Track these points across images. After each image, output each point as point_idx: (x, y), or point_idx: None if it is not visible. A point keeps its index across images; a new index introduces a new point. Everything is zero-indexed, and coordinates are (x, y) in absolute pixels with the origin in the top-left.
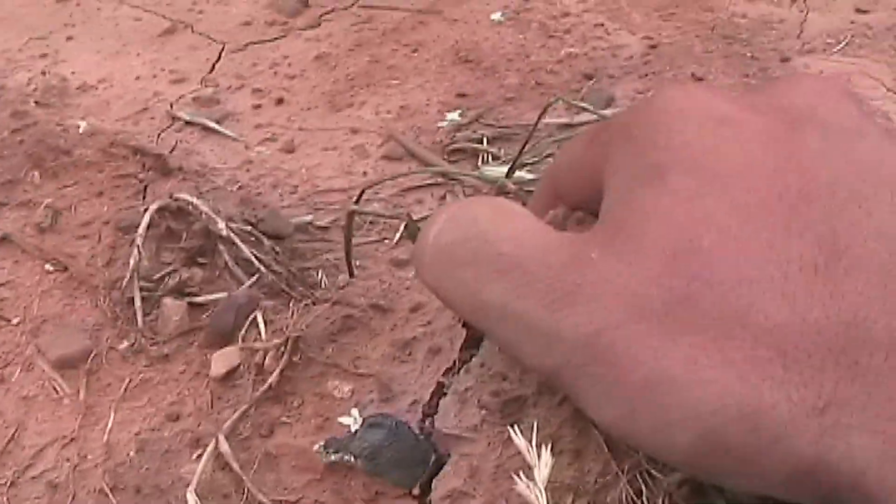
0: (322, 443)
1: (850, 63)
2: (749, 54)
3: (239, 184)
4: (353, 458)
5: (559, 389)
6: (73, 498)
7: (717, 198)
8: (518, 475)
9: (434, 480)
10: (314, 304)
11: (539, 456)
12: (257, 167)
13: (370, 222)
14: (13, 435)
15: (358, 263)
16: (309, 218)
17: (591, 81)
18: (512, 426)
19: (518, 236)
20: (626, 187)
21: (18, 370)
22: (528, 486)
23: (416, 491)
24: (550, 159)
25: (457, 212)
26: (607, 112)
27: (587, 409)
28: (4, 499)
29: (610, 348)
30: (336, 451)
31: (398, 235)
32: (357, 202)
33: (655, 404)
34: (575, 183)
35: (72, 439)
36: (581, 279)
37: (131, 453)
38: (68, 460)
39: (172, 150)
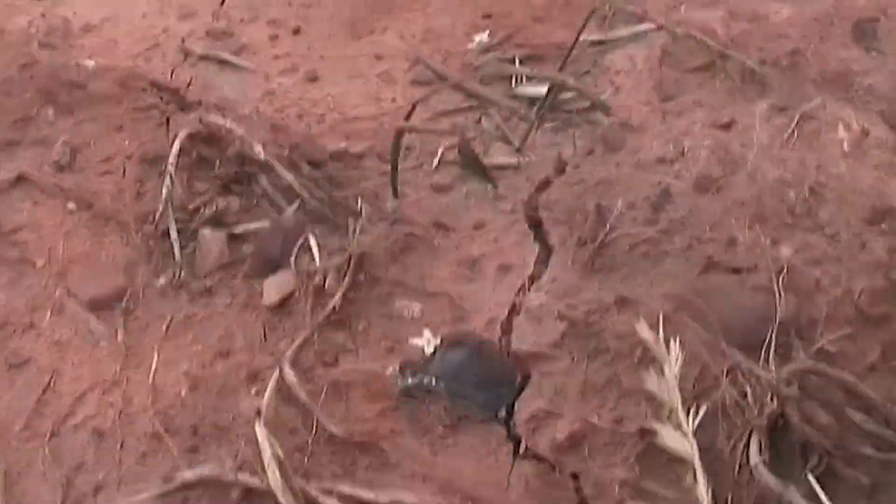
0: (396, 367)
1: None
2: None
3: (264, 115)
4: (433, 381)
5: None
6: (122, 445)
7: None
8: (647, 370)
9: (516, 403)
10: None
11: (669, 350)
12: (280, 98)
13: (406, 149)
14: (49, 382)
15: (399, 191)
16: (343, 145)
17: None
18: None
19: None
20: None
21: (48, 314)
22: (659, 383)
23: (502, 413)
24: (588, 77)
25: None
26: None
27: None
28: (46, 451)
29: None
30: (413, 375)
31: (436, 160)
32: (408, 118)
33: None
34: None
35: (114, 383)
36: None
37: (182, 393)
38: (112, 405)
39: (189, 85)
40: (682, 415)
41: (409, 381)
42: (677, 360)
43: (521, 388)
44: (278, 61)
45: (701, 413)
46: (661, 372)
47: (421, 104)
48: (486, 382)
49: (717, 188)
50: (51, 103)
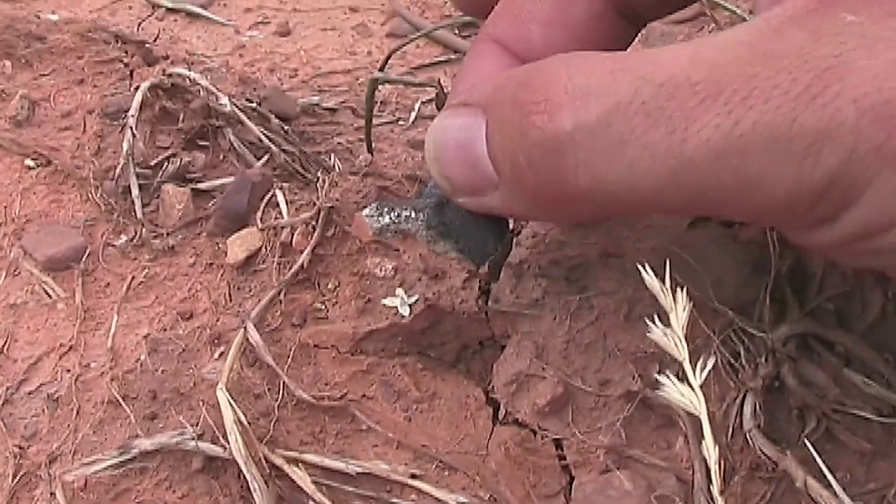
0: (373, 205)
1: None
2: None
3: (233, 70)
4: (412, 214)
5: (824, 208)
6: (78, 412)
7: None
8: (652, 321)
9: (494, 365)
10: (337, 183)
11: (676, 299)
12: (251, 52)
13: (381, 103)
14: (2, 347)
15: (374, 146)
16: (315, 99)
17: None
18: (581, 294)
19: (686, 57)
20: None
21: (3, 276)
22: (666, 333)
23: (484, 269)
24: None
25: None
26: None
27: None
28: None
29: None
30: (391, 211)
31: (413, 115)
32: (382, 68)
33: None
34: None
35: (70, 347)
36: (839, 49)
37: (142, 357)
38: (69, 371)
39: (156, 39)
40: (688, 368)
41: (386, 218)
42: (684, 308)
43: (508, 252)
44: (249, 14)
45: (709, 366)
46: (667, 323)
47: (397, 58)
48: (470, 226)
49: None
50: (8, 56)
